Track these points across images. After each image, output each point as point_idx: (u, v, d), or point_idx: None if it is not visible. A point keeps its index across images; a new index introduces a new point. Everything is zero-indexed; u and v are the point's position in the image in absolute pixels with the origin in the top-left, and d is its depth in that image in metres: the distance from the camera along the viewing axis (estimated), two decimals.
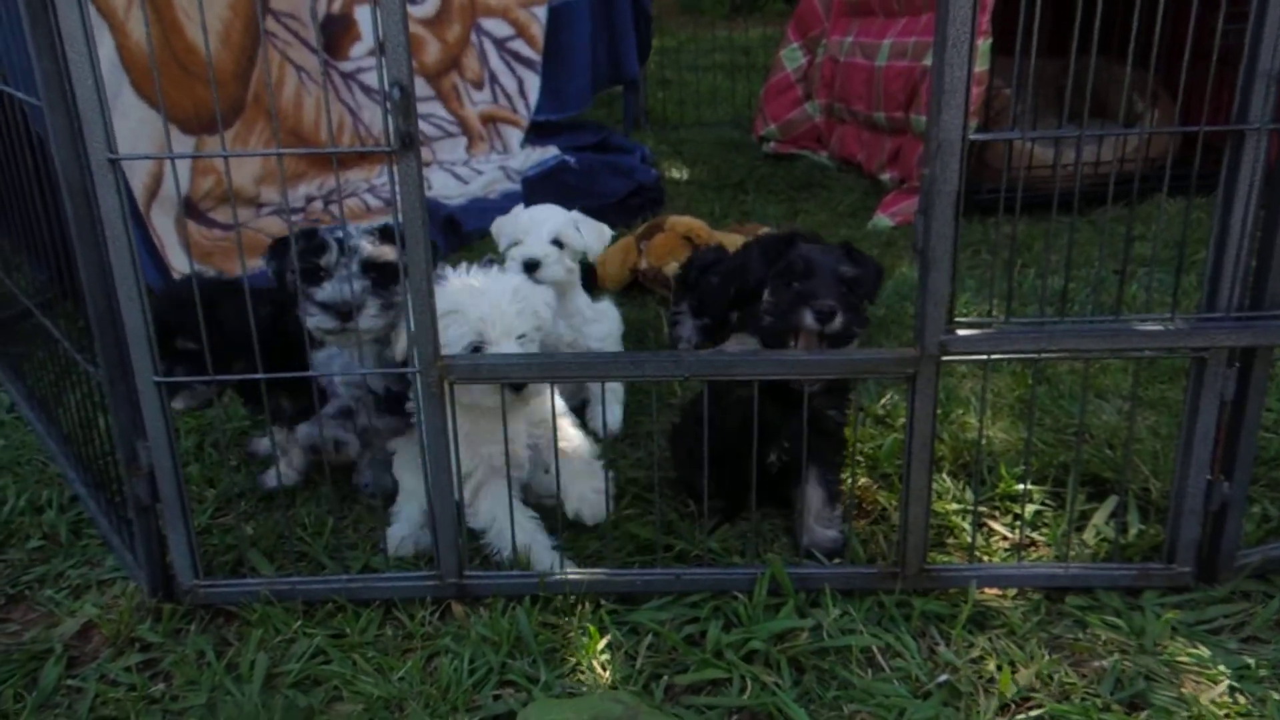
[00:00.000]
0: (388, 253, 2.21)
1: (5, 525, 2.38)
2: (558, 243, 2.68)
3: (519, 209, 2.82)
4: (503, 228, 2.81)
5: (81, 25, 1.65)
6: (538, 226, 2.68)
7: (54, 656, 1.94)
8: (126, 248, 1.77)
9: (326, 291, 2.15)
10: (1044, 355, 1.92)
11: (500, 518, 2.13)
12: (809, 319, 1.98)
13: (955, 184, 1.73)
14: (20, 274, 3.06)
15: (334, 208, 4.64)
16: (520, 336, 2.10)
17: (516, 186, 5.08)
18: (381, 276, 2.21)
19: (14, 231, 2.70)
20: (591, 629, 1.95)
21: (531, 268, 2.60)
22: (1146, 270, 3.67)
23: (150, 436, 1.92)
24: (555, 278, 2.67)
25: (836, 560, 2.15)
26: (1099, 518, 2.24)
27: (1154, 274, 3.51)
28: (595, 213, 4.82)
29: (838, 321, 1.97)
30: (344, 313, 2.15)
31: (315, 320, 2.17)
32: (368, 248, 2.20)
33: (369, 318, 2.20)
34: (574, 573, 2.06)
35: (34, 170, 2.16)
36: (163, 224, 3.89)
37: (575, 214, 2.79)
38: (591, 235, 2.78)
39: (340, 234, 2.21)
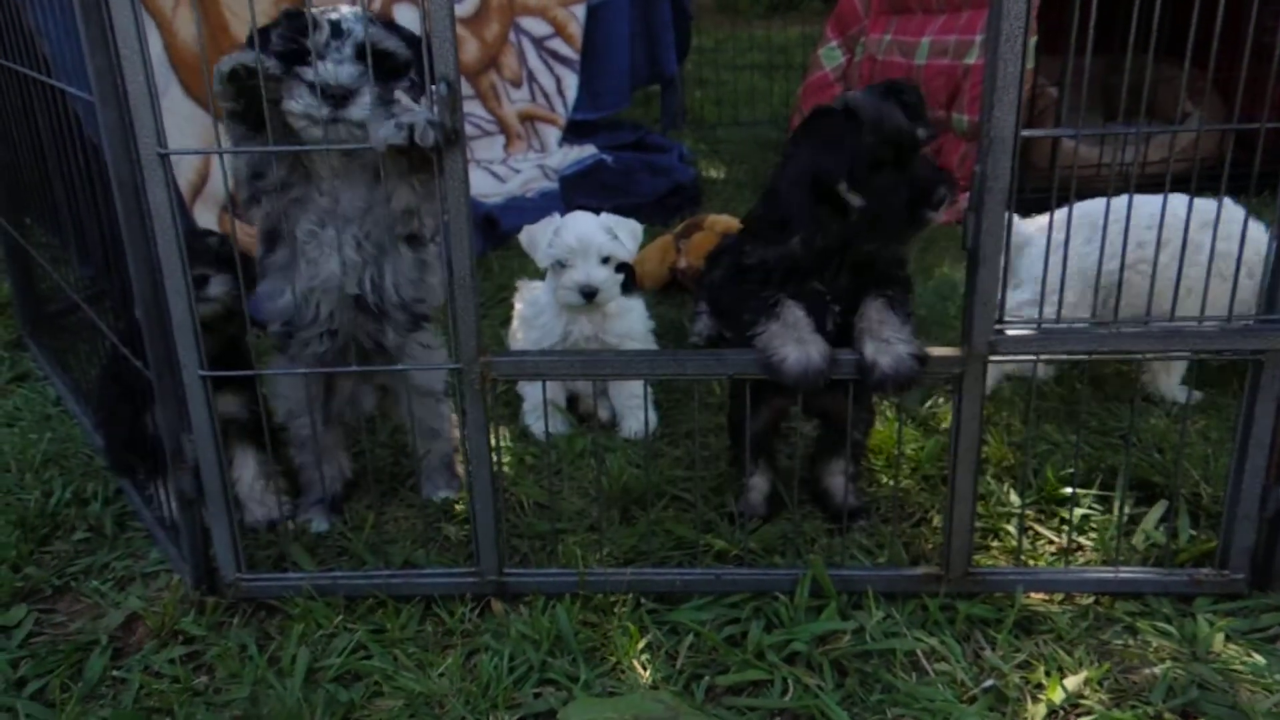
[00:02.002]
0: (386, 40, 1.95)
1: (51, 517, 2.40)
2: (607, 260, 2.61)
3: (552, 220, 2.68)
4: (538, 241, 2.66)
5: (134, 22, 1.67)
6: (585, 247, 2.57)
7: (99, 648, 1.95)
8: (174, 242, 1.79)
9: (315, 73, 1.85)
10: (1095, 356, 1.88)
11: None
12: (932, 216, 1.86)
13: (1007, 181, 1.70)
14: (67, 269, 3.11)
15: None
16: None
17: (554, 185, 5.08)
18: (379, 68, 1.90)
19: (62, 227, 2.74)
20: (631, 628, 1.94)
21: (591, 295, 2.56)
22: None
23: (195, 430, 1.94)
24: (613, 298, 2.65)
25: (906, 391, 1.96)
26: (1148, 522, 2.19)
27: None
28: (632, 211, 4.83)
29: (949, 200, 1.86)
30: (337, 97, 1.88)
31: (302, 104, 1.90)
32: (362, 31, 1.90)
33: (363, 106, 1.90)
34: (613, 571, 2.05)
35: (83, 166, 2.18)
36: (206, 220, 3.93)
37: (606, 218, 2.68)
38: (627, 237, 2.68)
39: (333, 14, 1.94)
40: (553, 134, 5.77)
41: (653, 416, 2.73)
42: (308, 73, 1.85)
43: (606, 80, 6.07)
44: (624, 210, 4.82)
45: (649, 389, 2.74)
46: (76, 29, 1.72)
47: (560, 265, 2.60)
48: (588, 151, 5.46)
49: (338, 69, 1.86)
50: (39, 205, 2.92)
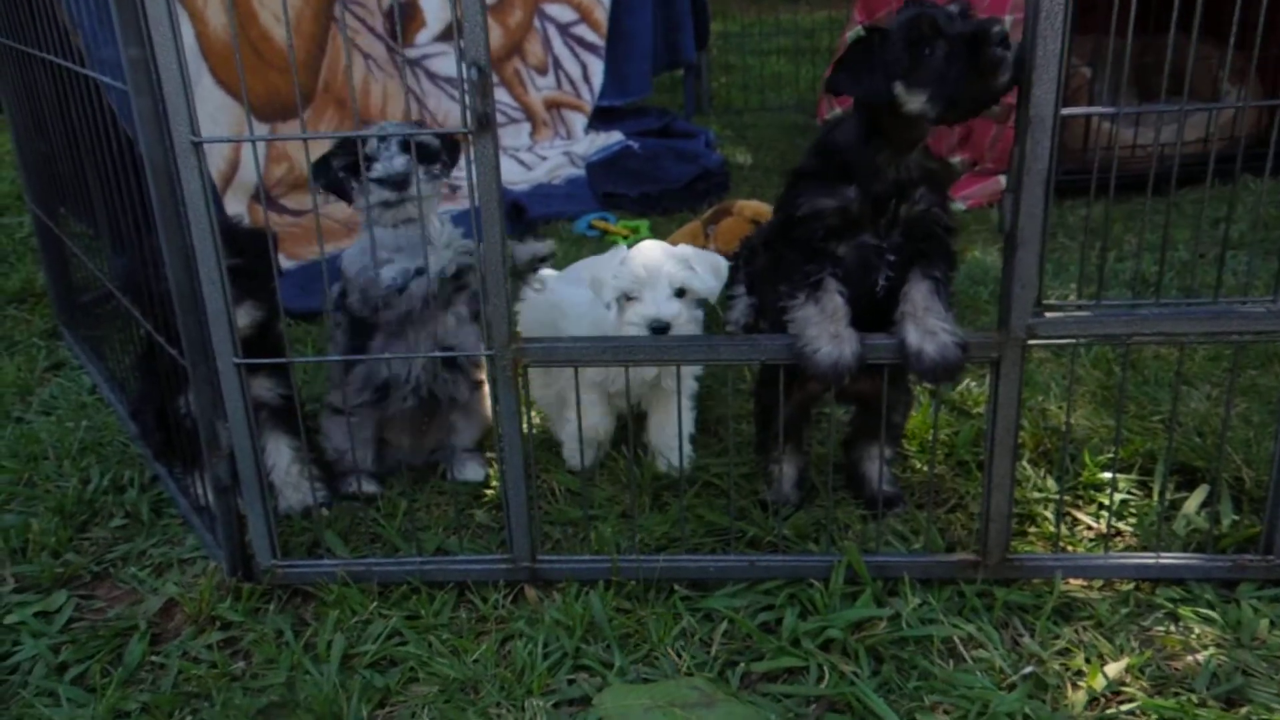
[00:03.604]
0: (422, 137, 2.33)
1: (90, 504, 2.43)
2: (680, 292, 2.23)
3: (618, 252, 2.37)
4: (604, 277, 2.29)
5: (167, 12, 1.67)
6: (655, 278, 2.21)
7: (138, 633, 1.97)
8: (208, 230, 1.79)
9: (377, 169, 2.26)
10: (1135, 339, 1.84)
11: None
12: (997, 53, 1.68)
13: (1046, 162, 1.67)
14: (101, 258, 3.13)
15: None
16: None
17: (580, 172, 5.07)
18: (421, 155, 2.28)
19: (96, 216, 2.76)
20: (665, 615, 1.93)
21: (662, 331, 2.18)
22: (1233, 254, 3.55)
23: (230, 418, 1.95)
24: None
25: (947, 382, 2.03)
26: (1189, 507, 2.16)
27: (1248, 257, 3.39)
28: (660, 197, 4.84)
29: (1011, 41, 1.70)
30: (398, 183, 2.25)
31: (376, 196, 2.28)
32: (400, 132, 2.33)
33: (424, 184, 2.24)
34: (646, 558, 2.04)
35: (118, 156, 2.20)
36: (235, 210, 3.95)
37: (684, 249, 2.31)
38: (707, 271, 2.30)
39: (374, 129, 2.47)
40: (579, 121, 5.76)
41: (689, 449, 2.46)
42: (374, 170, 2.25)
43: (631, 66, 6.05)
44: (651, 197, 4.85)
45: (688, 421, 2.46)
46: (110, 20, 1.72)
47: (626, 298, 2.25)
48: (614, 138, 5.45)
49: (392, 163, 2.25)
50: (73, 195, 2.94)
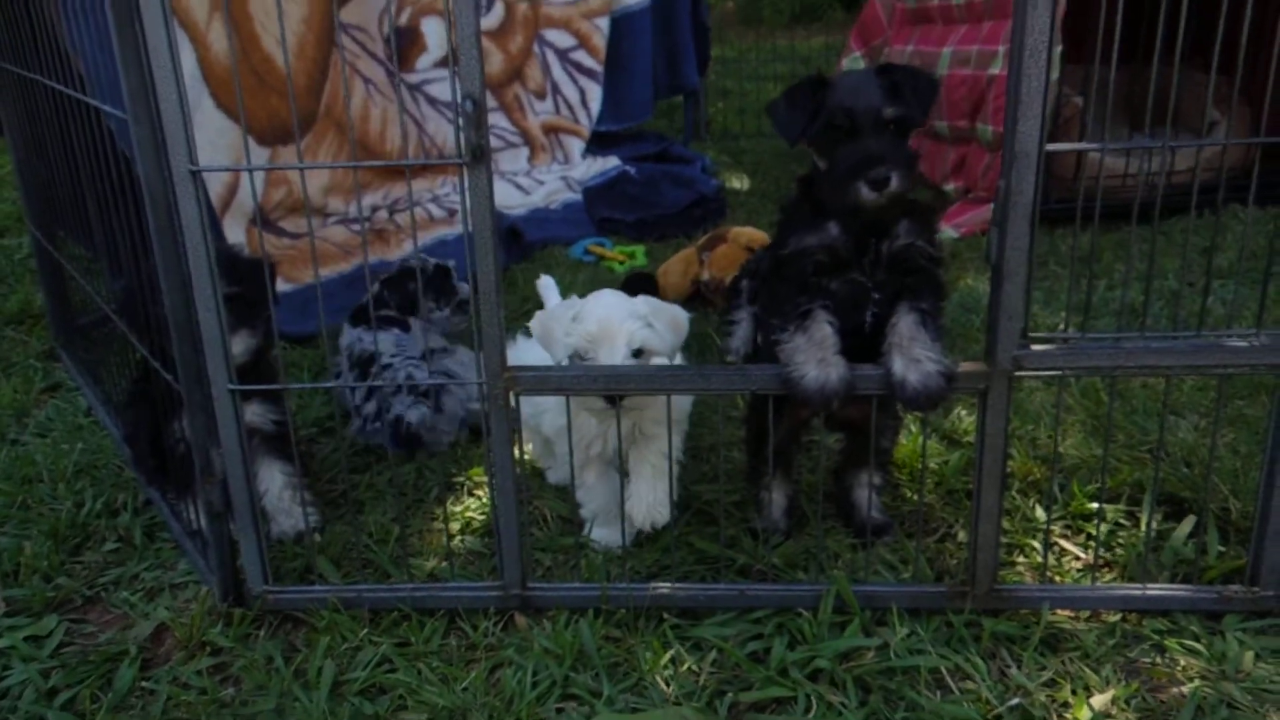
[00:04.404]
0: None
1: (82, 527, 2.44)
2: (639, 353, 2.07)
3: (569, 304, 2.18)
4: (555, 332, 2.11)
5: (166, 40, 1.69)
6: (612, 337, 2.04)
7: (129, 658, 1.98)
8: (205, 258, 1.81)
9: (464, 291, 3.07)
10: (1120, 371, 1.86)
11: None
12: (865, 194, 1.84)
13: (1032, 195, 1.70)
14: (99, 281, 3.15)
15: (399, 217, 4.71)
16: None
17: (578, 197, 5.10)
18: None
19: (94, 240, 2.79)
20: (655, 643, 1.94)
21: (615, 400, 2.01)
22: (1221, 283, 3.57)
23: (224, 444, 1.96)
24: (647, 406, 2.13)
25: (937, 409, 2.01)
26: (1176, 538, 2.17)
27: (1233, 287, 3.41)
28: (656, 224, 4.87)
29: (893, 185, 1.83)
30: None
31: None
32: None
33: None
34: (636, 586, 2.05)
35: (115, 181, 2.22)
36: (234, 233, 3.98)
37: (642, 301, 2.14)
38: (666, 328, 2.11)
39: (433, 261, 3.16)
40: (577, 145, 5.80)
41: (666, 512, 2.19)
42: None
43: (630, 91, 6.10)
44: (647, 223, 4.88)
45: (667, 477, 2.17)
46: (111, 47, 1.75)
47: (579, 358, 2.07)
48: (611, 163, 5.48)
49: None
50: (72, 218, 2.96)
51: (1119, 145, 1.80)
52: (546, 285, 2.75)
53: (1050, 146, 1.70)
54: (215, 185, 3.91)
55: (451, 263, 3.16)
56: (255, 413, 2.26)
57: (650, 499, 2.17)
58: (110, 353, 3.06)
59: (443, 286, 3.11)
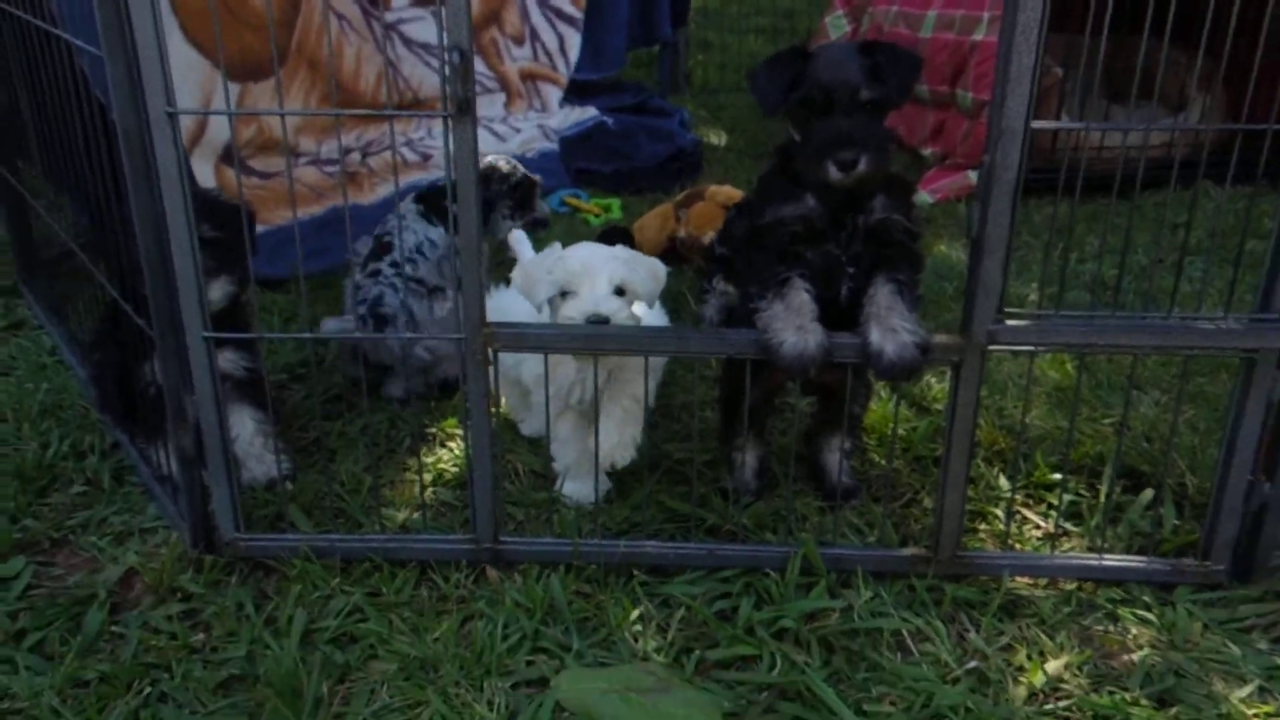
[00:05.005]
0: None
1: (49, 469, 2.41)
2: (620, 291, 2.10)
3: (554, 250, 2.23)
4: (538, 275, 2.15)
5: None
6: (594, 274, 2.09)
7: (98, 602, 1.98)
8: (181, 201, 1.78)
9: (543, 210, 3.06)
10: (1092, 349, 1.90)
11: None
12: (833, 173, 1.87)
13: (1015, 172, 1.71)
14: (62, 214, 3.09)
15: (372, 160, 4.64)
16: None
17: (554, 146, 5.04)
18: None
19: (56, 171, 2.72)
20: (624, 600, 1.97)
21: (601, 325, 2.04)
22: (1190, 260, 3.63)
23: (197, 391, 1.94)
24: None
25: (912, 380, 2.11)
26: (1134, 511, 2.23)
27: (1204, 264, 3.46)
28: (633, 176, 4.84)
29: (861, 167, 1.85)
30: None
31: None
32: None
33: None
34: (608, 543, 2.08)
35: (80, 113, 2.16)
36: (202, 171, 3.90)
37: (621, 250, 2.21)
38: (645, 275, 2.16)
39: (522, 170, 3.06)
40: (554, 93, 5.72)
41: (632, 452, 2.27)
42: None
43: (607, 39, 6.01)
44: (623, 175, 4.84)
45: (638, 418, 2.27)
46: None
47: (562, 296, 2.12)
48: (589, 113, 5.42)
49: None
50: (38, 150, 2.89)
51: (1105, 126, 1.81)
52: (519, 239, 2.73)
53: (1037, 124, 1.71)
54: (184, 122, 3.82)
55: (539, 177, 3.07)
56: (228, 359, 2.24)
57: (616, 439, 2.21)
58: (76, 290, 3.01)
59: (524, 199, 3.01)
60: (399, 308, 2.69)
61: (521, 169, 3.06)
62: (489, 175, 2.97)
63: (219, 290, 2.14)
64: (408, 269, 2.76)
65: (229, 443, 2.04)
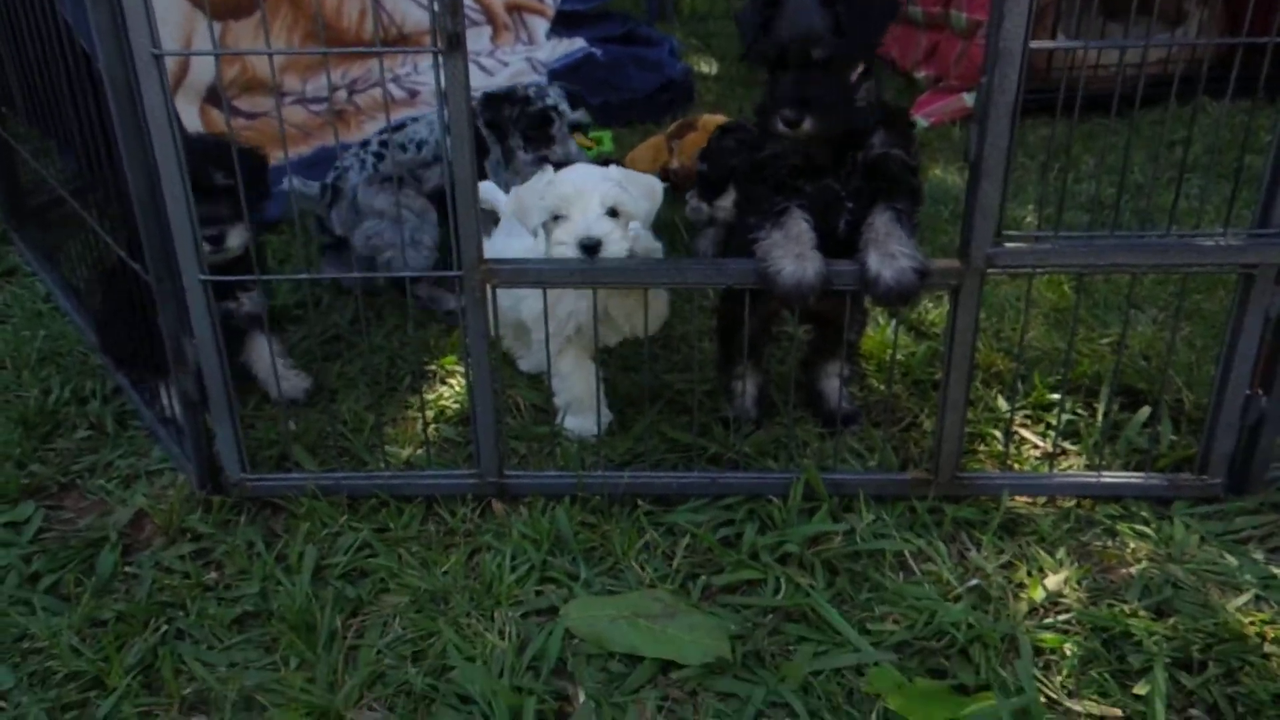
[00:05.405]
0: (583, 117, 2.91)
1: (52, 415, 2.42)
2: (613, 212, 2.08)
3: (544, 174, 2.19)
4: (529, 200, 2.15)
5: None
6: (586, 196, 2.07)
7: (109, 544, 2.00)
8: (171, 144, 1.76)
9: (557, 154, 2.78)
10: (1091, 269, 1.90)
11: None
12: (780, 128, 1.87)
13: (1013, 94, 1.70)
14: (49, 160, 3.06)
15: (358, 98, 4.58)
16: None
17: (542, 79, 4.97)
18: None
19: (42, 116, 2.68)
20: (629, 529, 2.00)
21: (592, 250, 2.02)
22: (1189, 177, 3.61)
23: (197, 334, 1.94)
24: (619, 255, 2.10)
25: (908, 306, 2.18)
26: (1131, 428, 2.25)
27: (1200, 180, 3.45)
28: (624, 108, 4.78)
29: (806, 126, 1.85)
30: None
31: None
32: (572, 114, 2.87)
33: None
34: (611, 474, 2.10)
35: (64, 57, 2.13)
36: (187, 112, 3.85)
37: (615, 170, 2.18)
38: (641, 194, 2.15)
39: (549, 99, 2.89)
40: (541, 25, 5.61)
41: (606, 413, 2.36)
42: (551, 154, 2.87)
43: None
44: (613, 107, 4.78)
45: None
46: None
47: (554, 220, 2.11)
48: (576, 45, 5.33)
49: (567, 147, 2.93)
50: (23, 99, 2.85)
51: (1103, 44, 1.79)
52: (488, 189, 2.54)
53: (1035, 44, 1.69)
54: (167, 63, 3.76)
55: (568, 112, 2.93)
56: (252, 300, 2.32)
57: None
58: (67, 236, 2.99)
59: (538, 132, 2.89)
60: (352, 188, 2.80)
61: (548, 100, 2.89)
62: (505, 98, 2.85)
63: (237, 238, 2.18)
64: (385, 155, 2.80)
65: (230, 385, 2.04)
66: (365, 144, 2.94)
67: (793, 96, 1.84)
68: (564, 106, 2.91)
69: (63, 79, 2.16)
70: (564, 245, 2.04)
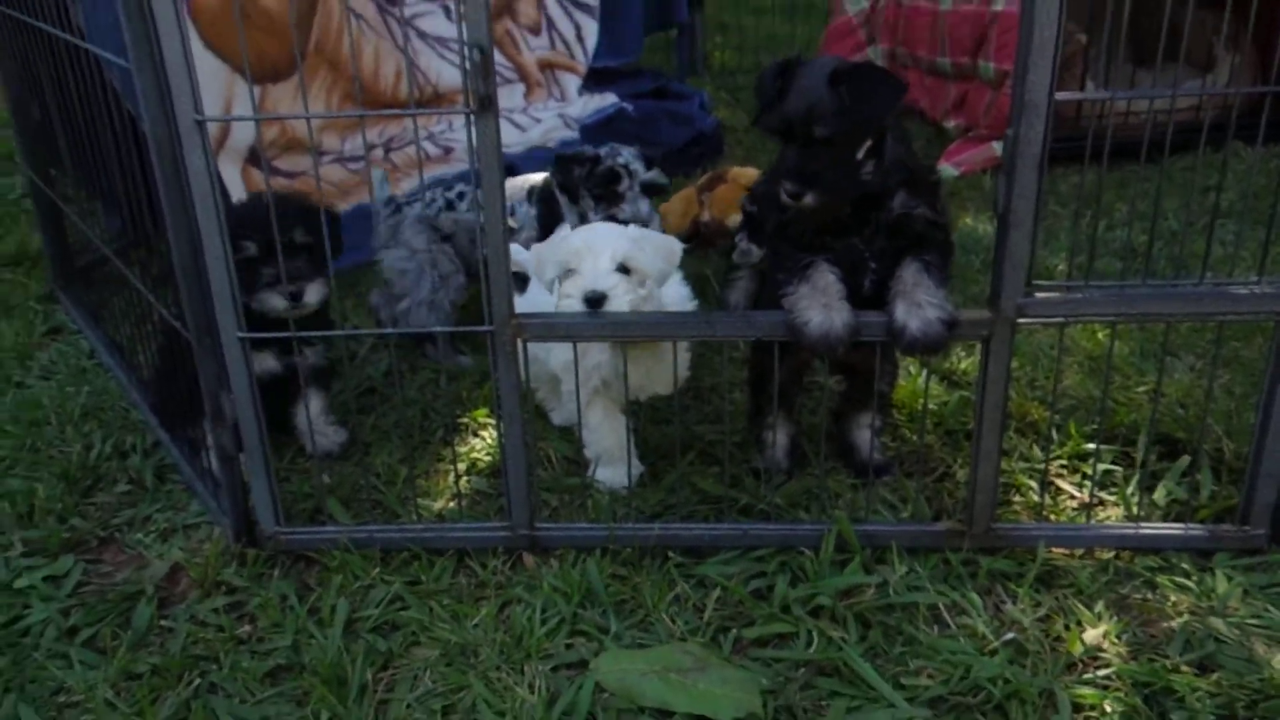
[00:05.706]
0: (658, 177, 2.85)
1: (93, 470, 2.47)
2: (624, 269, 2.09)
3: (563, 231, 2.30)
4: (546, 255, 2.19)
5: None
6: (596, 252, 2.09)
7: (146, 597, 2.02)
8: (213, 207, 1.81)
9: (626, 212, 2.74)
10: (1123, 318, 1.89)
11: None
12: (784, 199, 1.90)
13: (1040, 145, 1.70)
14: (95, 220, 3.14)
15: (394, 156, 4.67)
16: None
17: (575, 135, 5.05)
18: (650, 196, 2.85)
19: (89, 178, 2.77)
20: (660, 581, 1.99)
21: (595, 303, 2.02)
22: (1222, 222, 3.58)
23: (234, 389, 1.98)
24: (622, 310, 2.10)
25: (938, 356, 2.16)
26: (1170, 478, 2.22)
27: (1234, 227, 3.42)
28: (655, 160, 4.82)
29: (807, 200, 1.88)
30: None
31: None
32: (645, 174, 2.84)
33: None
34: (642, 526, 2.10)
35: (111, 121, 2.20)
36: (229, 173, 3.95)
37: (635, 230, 2.22)
38: (655, 254, 2.16)
39: (620, 158, 2.87)
40: (573, 82, 5.72)
41: (637, 464, 2.37)
42: (619, 212, 2.83)
43: (624, 26, 6.00)
44: (647, 161, 4.83)
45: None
46: None
47: (566, 274, 2.12)
48: (608, 100, 5.42)
49: (637, 206, 2.88)
50: (71, 161, 2.94)
51: (1129, 95, 1.80)
52: (517, 251, 2.56)
53: (1060, 96, 1.70)
54: (209, 126, 3.87)
55: (643, 171, 2.92)
56: (317, 354, 2.44)
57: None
58: (111, 294, 3.06)
59: (605, 190, 2.87)
60: (410, 214, 2.93)
61: (619, 159, 2.89)
62: (574, 159, 2.88)
63: (315, 293, 2.25)
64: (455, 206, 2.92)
65: (266, 439, 2.07)
66: (450, 187, 3.02)
67: (795, 171, 1.88)
68: (636, 165, 2.90)
69: (110, 142, 2.24)
70: (570, 299, 2.06)
